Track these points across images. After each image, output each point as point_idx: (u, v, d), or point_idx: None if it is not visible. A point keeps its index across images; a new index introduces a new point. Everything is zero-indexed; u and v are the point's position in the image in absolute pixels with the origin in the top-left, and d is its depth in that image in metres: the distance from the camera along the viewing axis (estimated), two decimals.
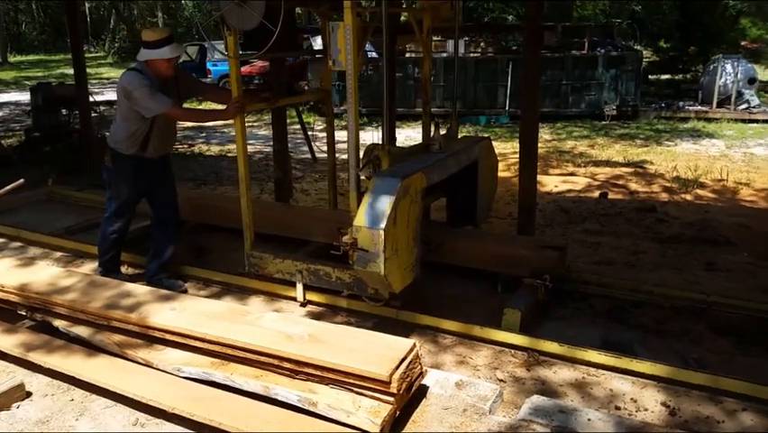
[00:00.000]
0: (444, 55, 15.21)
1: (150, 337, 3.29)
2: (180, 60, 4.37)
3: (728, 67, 15.32)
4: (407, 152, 4.27)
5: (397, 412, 2.75)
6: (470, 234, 4.65)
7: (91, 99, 8.93)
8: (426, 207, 4.50)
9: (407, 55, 15.49)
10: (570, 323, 3.99)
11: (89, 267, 4.86)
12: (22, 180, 4.23)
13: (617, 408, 3.05)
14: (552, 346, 3.49)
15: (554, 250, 4.28)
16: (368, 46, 10.22)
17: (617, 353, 3.36)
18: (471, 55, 16.29)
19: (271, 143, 6.49)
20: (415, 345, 2.91)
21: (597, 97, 14.87)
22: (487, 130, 13.65)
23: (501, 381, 3.30)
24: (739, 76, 15.15)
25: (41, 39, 42.94)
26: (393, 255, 3.43)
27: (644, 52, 19.27)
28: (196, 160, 10.17)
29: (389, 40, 3.67)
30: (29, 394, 3.16)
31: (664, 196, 7.82)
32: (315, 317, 3.99)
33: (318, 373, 2.82)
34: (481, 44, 17.33)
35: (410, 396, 2.85)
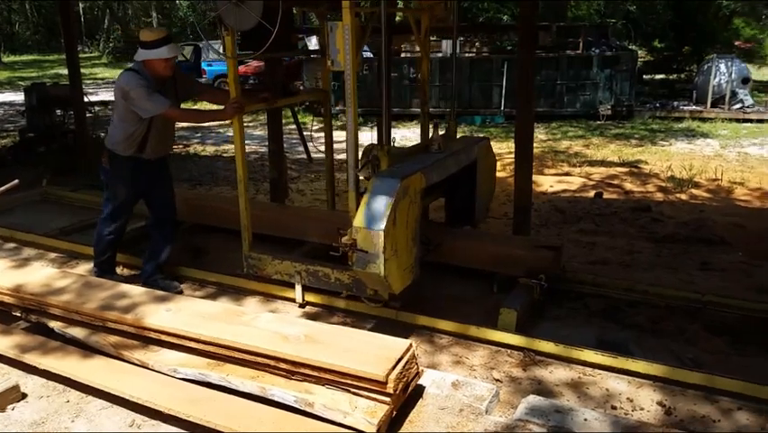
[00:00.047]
0: (440, 55, 15.23)
1: (146, 338, 3.28)
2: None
3: (722, 66, 15.38)
4: (406, 152, 4.26)
5: (394, 412, 2.75)
6: (468, 235, 4.66)
7: (85, 99, 8.90)
8: (425, 207, 4.50)
9: (403, 55, 15.50)
10: (565, 323, 3.99)
11: (84, 268, 4.85)
12: (16, 181, 4.21)
13: (613, 407, 3.06)
14: (547, 346, 3.50)
15: (550, 250, 4.29)
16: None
17: (612, 352, 3.37)
18: (467, 55, 16.33)
19: (267, 144, 6.48)
20: (411, 345, 2.91)
21: (592, 97, 14.90)
22: (482, 130, 13.67)
23: (497, 381, 3.30)
24: (733, 75, 15.21)
25: (35, 39, 42.80)
26: (392, 256, 3.43)
27: (639, 52, 19.35)
28: (191, 160, 10.15)
29: (388, 40, 3.67)
30: (24, 396, 3.15)
31: (659, 195, 7.84)
32: (314, 318, 3.98)
33: (314, 373, 2.82)
34: (476, 44, 17.36)
35: (407, 396, 2.85)
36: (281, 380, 2.90)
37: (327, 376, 2.79)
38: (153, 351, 3.25)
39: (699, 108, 15.31)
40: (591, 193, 7.80)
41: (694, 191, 8.02)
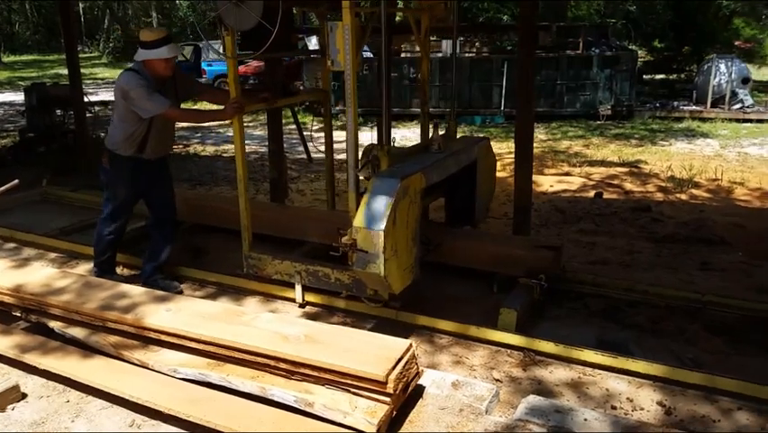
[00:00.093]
0: (440, 55, 15.24)
1: (146, 338, 3.28)
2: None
3: (722, 66, 15.38)
4: (406, 152, 4.26)
5: (394, 412, 2.75)
6: (468, 235, 4.66)
7: (85, 99, 8.90)
8: (425, 207, 4.50)
9: (402, 55, 15.51)
10: (565, 323, 3.99)
11: (84, 268, 4.85)
12: (16, 181, 4.21)
13: (613, 407, 3.06)
14: (547, 346, 3.49)
15: (550, 250, 4.29)
16: None
17: (612, 352, 3.37)
18: (467, 55, 16.34)
19: (267, 144, 6.48)
20: (411, 345, 2.91)
21: (592, 97, 14.90)
22: (482, 130, 13.67)
23: (497, 380, 3.30)
24: (733, 75, 15.21)
25: (35, 39, 42.80)
26: (392, 256, 3.43)
27: (639, 52, 19.36)
28: (191, 160, 10.15)
29: (388, 40, 3.67)
30: (24, 396, 3.15)
31: (659, 195, 7.84)
32: (314, 318, 3.98)
33: (314, 373, 2.82)
34: (476, 44, 17.38)
35: (406, 396, 2.85)
36: (281, 380, 2.90)
37: (327, 376, 2.79)
38: (153, 351, 3.25)
39: (699, 108, 15.32)
40: (591, 193, 7.80)
41: (694, 191, 8.02)
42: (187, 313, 3.31)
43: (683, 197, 7.79)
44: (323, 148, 5.09)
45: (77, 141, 8.71)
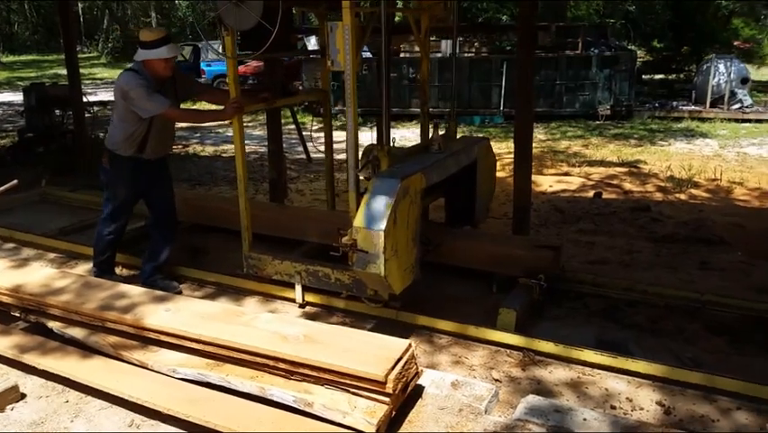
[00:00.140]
0: (439, 55, 15.24)
1: (145, 339, 3.28)
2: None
3: (721, 67, 15.40)
4: (406, 152, 4.26)
5: (393, 412, 2.75)
6: (468, 235, 4.65)
7: (84, 100, 8.90)
8: (425, 207, 4.50)
9: (402, 55, 15.51)
10: (565, 322, 3.99)
11: (83, 268, 4.85)
12: (15, 181, 4.21)
13: (613, 407, 3.06)
14: (547, 346, 3.49)
15: (549, 249, 4.29)
16: None
17: (612, 352, 3.37)
18: (466, 55, 16.34)
19: (266, 144, 6.48)
20: (410, 345, 2.91)
21: (591, 97, 14.91)
22: (481, 130, 13.67)
23: (497, 380, 3.30)
24: (732, 76, 15.23)
25: (34, 39, 42.80)
26: (393, 256, 3.43)
27: (638, 52, 19.37)
28: (190, 160, 10.15)
29: (387, 40, 3.67)
30: (23, 396, 3.15)
31: (658, 195, 7.84)
32: (313, 318, 3.98)
33: (314, 373, 2.82)
34: (475, 44, 17.39)
35: (406, 396, 2.85)
36: (280, 380, 2.89)
37: (326, 376, 2.79)
38: (152, 351, 3.24)
39: (698, 108, 15.33)
40: (591, 193, 7.80)
41: (693, 191, 8.02)
42: (187, 313, 3.31)
43: (682, 196, 7.79)
44: (322, 148, 5.09)
45: (76, 141, 8.71)
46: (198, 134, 13.05)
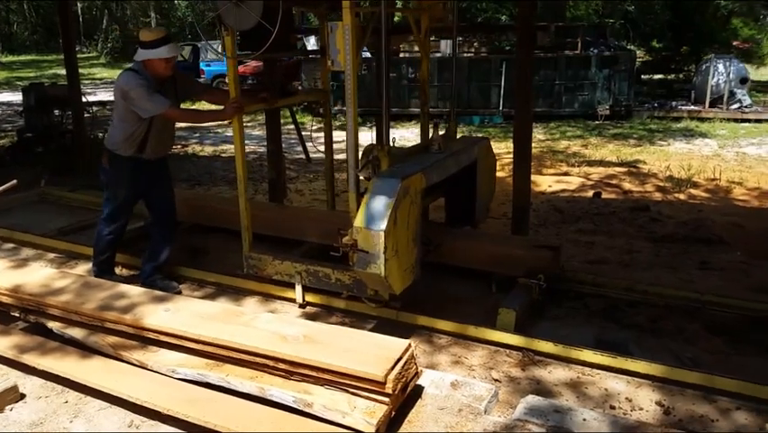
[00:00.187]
0: (438, 55, 15.25)
1: (145, 339, 3.28)
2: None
3: (720, 67, 15.42)
4: (407, 152, 4.26)
5: (393, 413, 2.75)
6: (467, 235, 4.65)
7: (84, 100, 8.89)
8: (425, 207, 4.50)
9: (401, 55, 15.51)
10: (564, 322, 3.99)
11: (83, 268, 4.84)
12: (15, 181, 4.21)
13: (612, 407, 3.06)
14: (546, 346, 3.49)
15: (549, 249, 4.28)
16: None
17: (611, 352, 3.37)
18: (465, 55, 16.35)
19: (265, 144, 6.48)
20: (410, 345, 2.91)
21: (590, 97, 14.92)
22: (480, 130, 13.68)
23: (496, 380, 3.30)
24: (731, 75, 15.25)
25: (33, 39, 42.76)
26: (393, 256, 3.43)
27: (637, 52, 19.38)
28: (189, 160, 10.15)
29: (387, 40, 3.67)
30: (23, 396, 3.14)
31: (658, 195, 7.85)
32: (313, 318, 3.98)
33: (313, 373, 2.82)
34: (475, 44, 17.40)
35: (405, 396, 2.85)
36: (280, 380, 2.89)
37: (326, 376, 2.79)
38: (152, 351, 3.24)
39: (697, 108, 15.35)
40: (590, 193, 7.81)
41: (693, 191, 8.03)
42: (186, 313, 3.31)
43: (682, 196, 7.80)
44: (321, 148, 5.09)
45: (76, 141, 8.71)
46: (197, 134, 13.05)
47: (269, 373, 2.94)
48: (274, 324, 3.17)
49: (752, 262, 5.02)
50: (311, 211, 6.09)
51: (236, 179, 4.18)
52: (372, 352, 2.83)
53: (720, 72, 15.34)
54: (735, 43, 21.92)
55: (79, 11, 37.66)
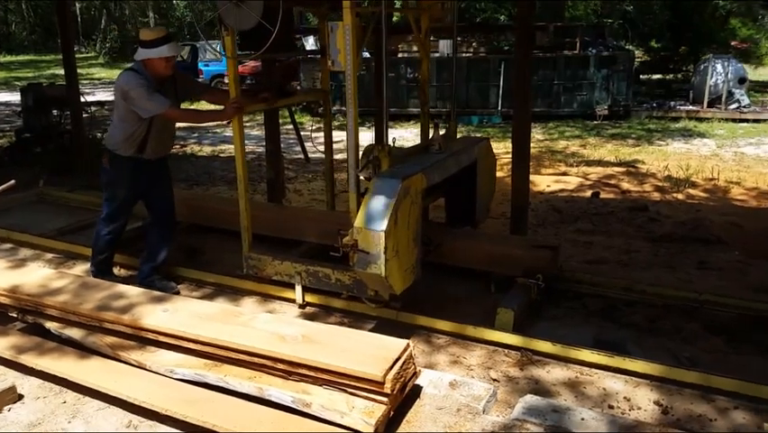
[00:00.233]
0: (436, 55, 15.25)
1: (143, 339, 3.28)
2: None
3: (719, 67, 15.44)
4: (407, 152, 4.26)
5: (391, 412, 2.75)
6: (466, 235, 4.65)
7: (82, 100, 8.89)
8: (425, 207, 4.50)
9: (399, 55, 15.52)
10: (563, 322, 4.00)
11: (81, 268, 4.84)
12: (13, 181, 4.20)
13: (611, 407, 3.06)
14: (545, 346, 3.50)
15: (547, 249, 4.29)
16: None
17: (609, 352, 3.37)
18: (463, 55, 16.36)
19: (264, 144, 6.48)
20: (408, 345, 2.91)
21: (588, 97, 14.93)
22: (479, 130, 13.69)
23: (495, 380, 3.30)
24: (730, 75, 15.27)
25: (32, 39, 42.73)
26: (394, 257, 3.42)
27: (636, 52, 19.40)
28: (188, 160, 10.14)
29: (386, 40, 3.67)
30: (20, 397, 3.14)
31: (656, 195, 7.86)
32: (312, 318, 3.98)
33: (312, 373, 2.82)
34: (473, 44, 17.39)
35: (404, 396, 2.85)
36: (279, 380, 2.89)
37: (325, 376, 2.79)
38: (150, 351, 3.24)
39: (695, 108, 15.37)
40: (588, 193, 7.81)
41: (691, 191, 8.04)
42: (185, 313, 3.30)
43: (680, 196, 7.80)
44: (321, 148, 5.08)
45: (74, 141, 8.69)
46: (196, 134, 13.04)
47: (268, 374, 2.93)
48: (272, 324, 3.17)
49: (750, 261, 5.03)
50: (310, 211, 6.09)
51: (235, 180, 4.17)
52: (371, 352, 2.83)
53: (719, 72, 15.37)
54: (733, 43, 21.96)
55: (78, 11, 37.64)
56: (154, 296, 3.57)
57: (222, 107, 4.09)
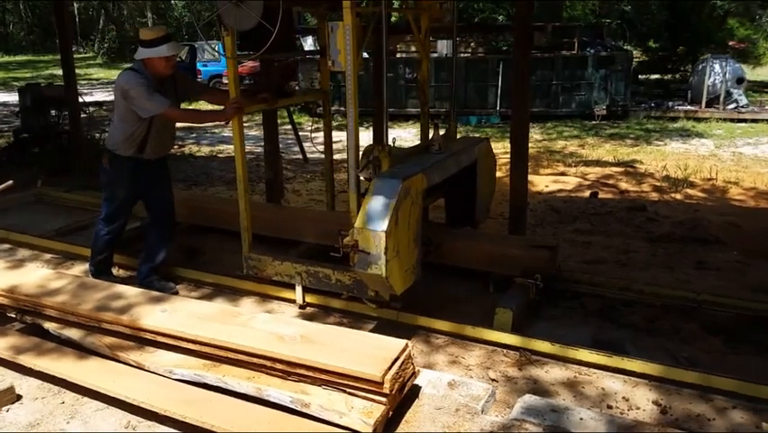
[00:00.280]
0: (435, 55, 15.25)
1: (142, 339, 3.27)
2: None
3: (717, 67, 15.45)
4: (407, 152, 4.25)
5: (390, 413, 2.75)
6: (465, 235, 4.65)
7: (80, 100, 8.88)
8: (425, 207, 4.50)
9: (398, 55, 15.51)
10: (561, 322, 4.00)
11: (80, 269, 4.83)
12: (11, 182, 4.21)
13: (609, 406, 3.07)
14: (543, 346, 3.50)
15: (545, 249, 4.29)
16: None
17: (608, 352, 3.37)
18: (462, 55, 16.35)
19: (262, 144, 6.48)
20: (407, 345, 2.91)
21: (587, 97, 14.95)
22: (478, 130, 13.70)
23: (493, 380, 3.30)
24: (727, 76, 15.28)
25: (30, 39, 42.65)
26: (395, 257, 3.42)
27: (634, 52, 19.42)
28: (186, 160, 10.13)
29: (385, 40, 3.67)
30: (19, 397, 3.14)
31: (654, 195, 7.86)
32: (311, 318, 3.97)
33: (310, 373, 2.82)
34: (472, 44, 17.40)
35: (403, 396, 2.85)
36: (277, 380, 2.89)
37: (323, 376, 2.79)
38: (149, 352, 3.24)
39: (693, 108, 15.39)
40: (587, 193, 7.81)
41: (689, 191, 8.05)
42: (183, 314, 3.30)
43: (678, 196, 7.81)
44: (320, 148, 5.08)
45: (72, 141, 8.68)
46: (194, 135, 13.03)
47: (267, 374, 2.93)
48: (271, 324, 3.17)
49: (748, 261, 5.03)
50: (309, 211, 6.09)
51: (233, 180, 4.17)
52: (369, 352, 2.83)
53: (717, 72, 15.38)
54: (731, 43, 22.00)
55: (76, 11, 37.54)
56: (153, 296, 3.57)
57: (222, 107, 4.09)
